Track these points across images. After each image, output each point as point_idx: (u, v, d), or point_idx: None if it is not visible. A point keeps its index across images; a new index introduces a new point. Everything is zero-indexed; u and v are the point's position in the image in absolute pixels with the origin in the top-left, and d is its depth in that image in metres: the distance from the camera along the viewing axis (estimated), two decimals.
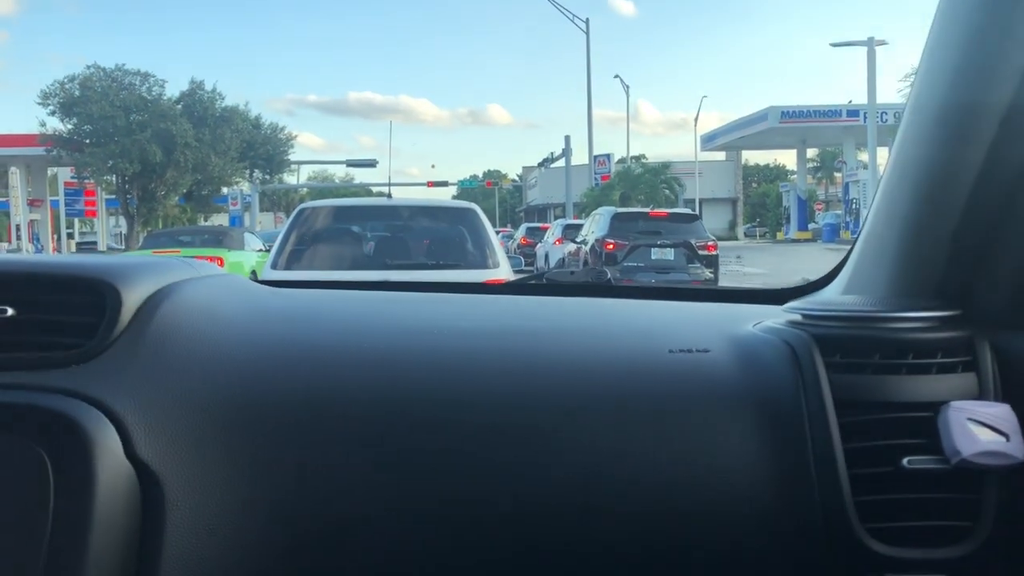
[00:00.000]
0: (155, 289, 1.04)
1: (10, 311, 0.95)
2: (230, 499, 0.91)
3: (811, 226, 44.45)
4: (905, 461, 0.91)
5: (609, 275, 1.84)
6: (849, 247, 1.21)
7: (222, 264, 13.28)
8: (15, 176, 35.64)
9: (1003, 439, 0.89)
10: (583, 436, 0.95)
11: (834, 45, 30.75)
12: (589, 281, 1.83)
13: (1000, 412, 0.91)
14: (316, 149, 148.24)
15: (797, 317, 1.06)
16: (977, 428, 0.90)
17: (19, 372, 0.92)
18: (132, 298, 1.00)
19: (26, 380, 0.92)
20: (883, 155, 34.52)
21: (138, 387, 0.93)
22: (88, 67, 33.98)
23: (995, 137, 0.93)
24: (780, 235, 46.61)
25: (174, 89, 35.20)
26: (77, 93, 32.78)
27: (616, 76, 61.36)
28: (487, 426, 0.96)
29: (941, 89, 0.99)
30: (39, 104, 33.19)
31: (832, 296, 1.22)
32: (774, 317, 1.11)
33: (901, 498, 0.92)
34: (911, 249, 1.06)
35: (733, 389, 0.98)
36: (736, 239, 49.33)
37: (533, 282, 1.92)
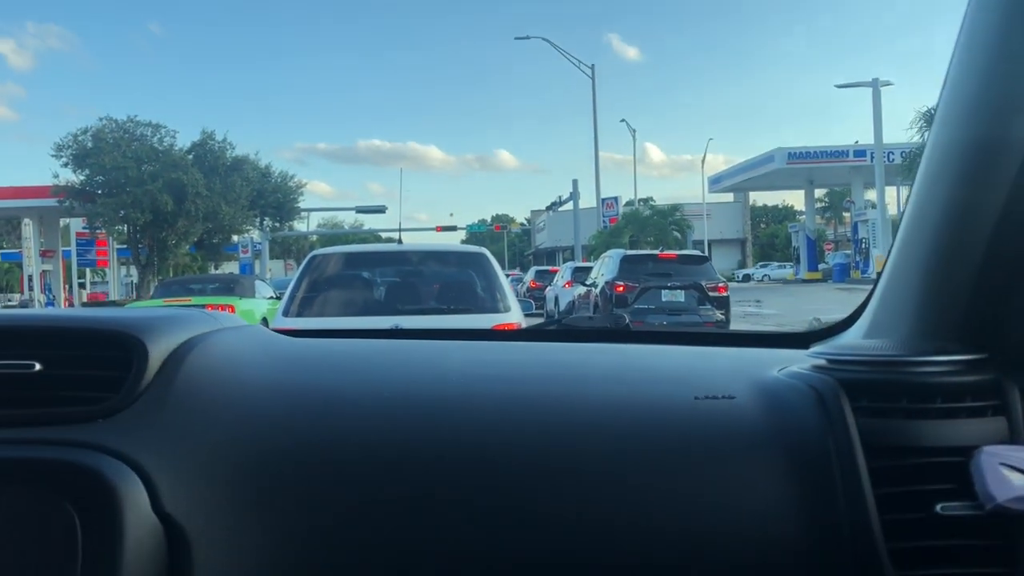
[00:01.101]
0: (180, 342, 1.04)
1: (38, 366, 0.95)
2: (257, 551, 0.90)
3: (821, 266, 44.41)
4: (938, 507, 0.90)
5: (628, 320, 1.84)
6: (870, 287, 1.20)
7: (233, 312, 13.34)
8: (28, 227, 36.02)
9: None
10: (611, 483, 0.94)
11: (839, 87, 30.99)
12: (607, 326, 1.82)
13: None
14: (326, 196, 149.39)
15: (822, 362, 1.05)
16: (1011, 473, 0.88)
17: (47, 427, 0.93)
18: (157, 352, 1.00)
19: (53, 435, 0.92)
20: (891, 194, 34.58)
21: (164, 441, 0.93)
22: (101, 119, 34.49)
23: (1017, 176, 0.93)
24: (790, 275, 46.52)
25: (185, 139, 35.66)
26: (90, 145, 33.20)
27: (622, 120, 61.94)
28: (514, 474, 0.95)
29: (961, 128, 0.99)
30: (53, 156, 33.65)
31: (855, 339, 1.21)
32: (799, 362, 1.10)
33: (935, 545, 0.90)
34: (934, 291, 1.05)
35: (761, 435, 0.97)
36: (746, 280, 49.21)
37: (552, 328, 1.91)
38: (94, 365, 0.98)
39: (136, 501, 0.87)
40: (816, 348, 1.09)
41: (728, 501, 0.93)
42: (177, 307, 1.29)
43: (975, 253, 0.99)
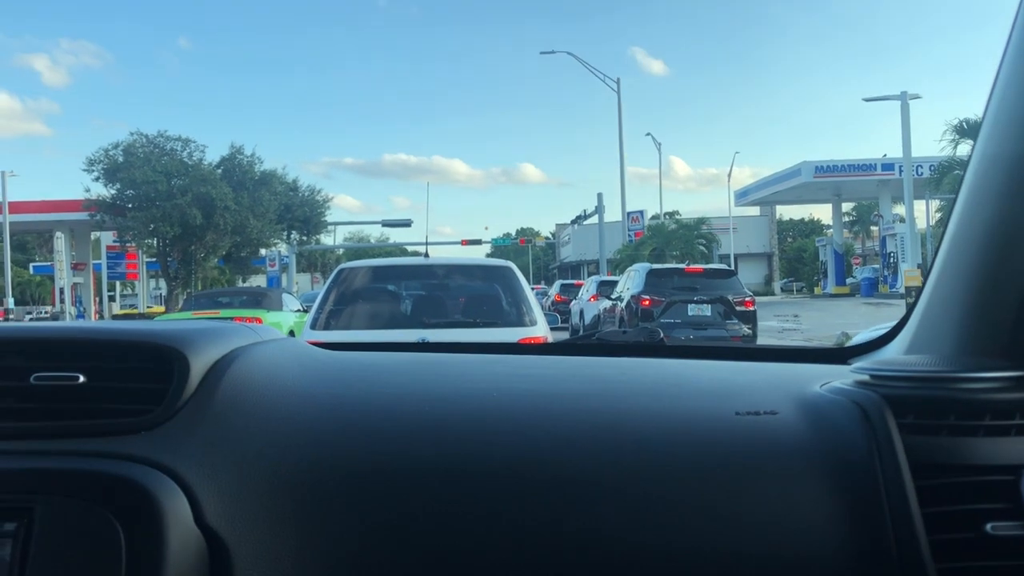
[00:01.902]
0: (220, 355, 1.05)
1: (82, 378, 0.96)
2: (296, 562, 0.90)
3: (849, 280, 44.03)
4: (988, 527, 0.88)
5: (662, 335, 1.83)
6: (898, 302, 1.19)
7: (261, 324, 13.57)
8: (60, 240, 36.59)
9: None
10: (651, 501, 0.93)
11: (867, 100, 30.73)
12: (642, 341, 1.81)
13: None
14: (352, 210, 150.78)
15: (865, 377, 1.04)
16: None
17: (89, 439, 0.93)
18: (199, 364, 1.01)
19: (96, 447, 0.92)
20: (919, 208, 34.22)
21: (206, 453, 0.93)
22: (131, 134, 35.07)
23: None
24: (818, 290, 46.14)
25: (214, 154, 36.17)
26: (121, 159, 33.71)
27: (648, 134, 61.91)
28: (551, 489, 0.94)
29: (1008, 141, 0.98)
30: (84, 170, 34.19)
31: (897, 354, 1.19)
32: (841, 377, 1.09)
33: (985, 566, 0.88)
34: (979, 306, 1.04)
35: (804, 452, 0.95)
36: (772, 294, 48.87)
37: (584, 342, 1.90)
38: (137, 378, 0.99)
39: (179, 513, 0.88)
40: (858, 364, 1.07)
41: (772, 519, 0.91)
42: (210, 319, 1.29)
43: (1021, 267, 0.97)
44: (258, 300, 16.53)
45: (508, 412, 1.04)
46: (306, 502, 0.93)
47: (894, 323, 1.27)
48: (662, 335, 1.80)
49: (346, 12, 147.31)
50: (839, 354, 1.28)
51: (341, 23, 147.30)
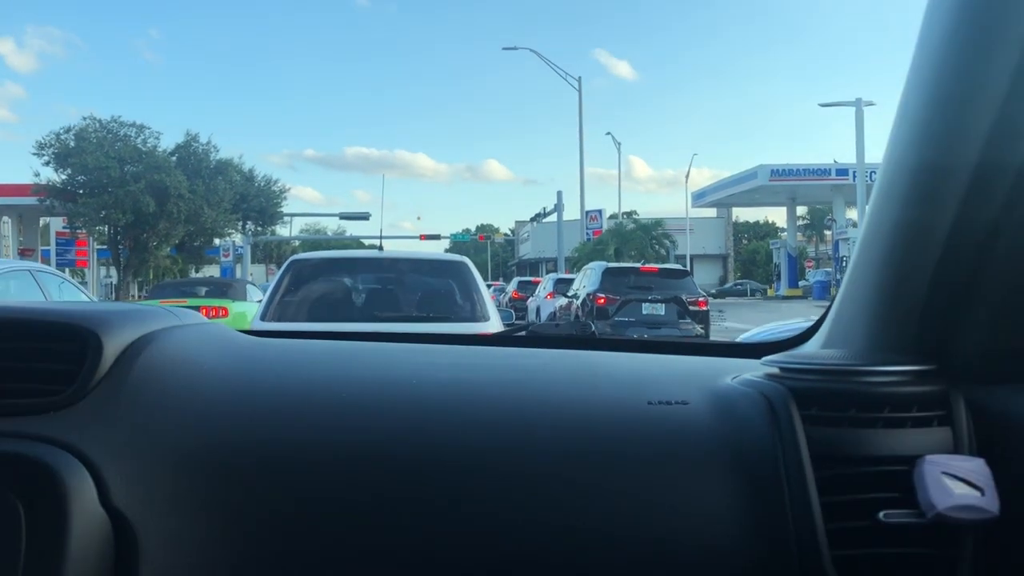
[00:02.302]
0: (136, 337, 1.04)
1: None
2: (204, 547, 0.90)
3: (801, 283, 44.70)
4: (881, 515, 0.91)
5: (594, 328, 1.85)
6: (828, 303, 1.22)
7: (227, 314, 13.73)
8: (6, 225, 35.78)
9: (978, 493, 0.89)
10: (563, 485, 0.95)
11: (823, 105, 31.19)
12: (573, 334, 1.83)
13: (975, 466, 0.91)
14: (314, 202, 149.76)
15: (775, 370, 1.06)
16: (952, 482, 0.90)
17: None
18: (112, 346, 1.00)
19: (3, 427, 0.91)
20: None
21: (115, 435, 0.93)
22: (84, 118, 34.33)
23: (964, 197, 0.95)
24: (771, 291, 46.78)
25: (170, 141, 35.60)
26: (72, 144, 33.01)
27: (608, 133, 62.28)
28: (466, 476, 0.95)
29: (911, 150, 1.01)
30: (34, 155, 33.44)
31: (811, 350, 1.22)
32: (753, 370, 1.11)
33: (878, 552, 0.92)
34: (887, 305, 1.07)
35: (710, 441, 0.98)
36: (723, 296, 49.47)
37: (518, 334, 1.92)
38: (48, 358, 0.98)
39: (83, 494, 0.87)
40: (770, 357, 1.10)
41: (676, 504, 0.94)
42: (143, 304, 1.28)
43: (925, 269, 1.01)
44: (224, 290, 16.59)
45: (426, 399, 1.05)
46: (215, 486, 0.93)
47: (810, 321, 1.31)
48: (592, 328, 1.82)
49: (315, 6, 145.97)
50: (758, 350, 1.31)
51: (306, 15, 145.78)
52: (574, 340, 1.74)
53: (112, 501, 0.89)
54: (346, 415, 1.01)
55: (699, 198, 54.29)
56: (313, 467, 0.95)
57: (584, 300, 14.35)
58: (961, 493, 0.89)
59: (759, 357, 1.18)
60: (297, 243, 52.88)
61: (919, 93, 1.00)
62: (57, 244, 39.00)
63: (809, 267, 49.56)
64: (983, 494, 0.89)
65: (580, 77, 39.08)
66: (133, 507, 0.90)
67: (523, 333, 1.92)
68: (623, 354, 1.38)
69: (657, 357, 1.35)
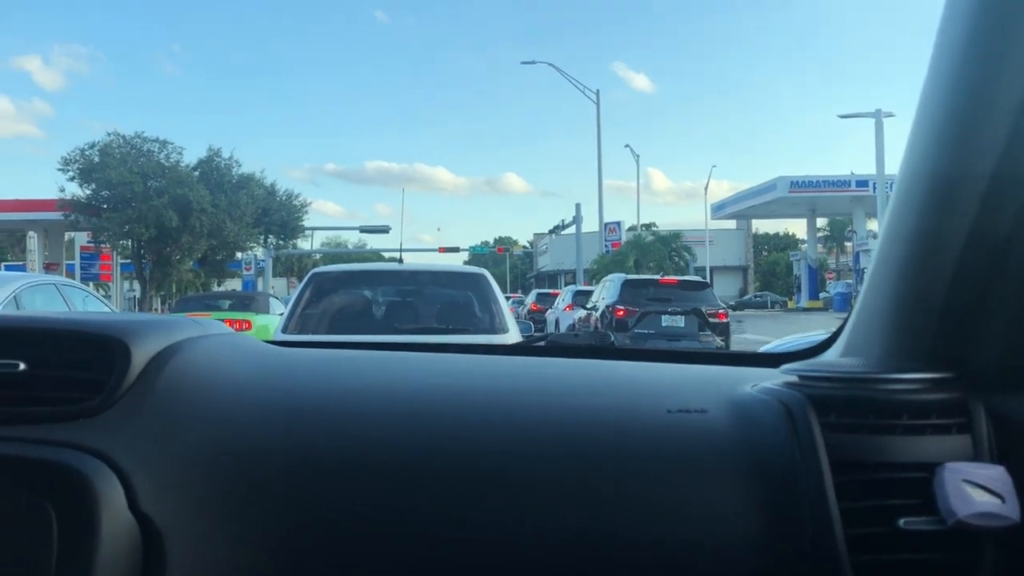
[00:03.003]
0: (163, 346, 1.06)
1: (22, 366, 0.98)
2: (231, 552, 0.92)
3: (822, 295, 44.40)
4: (901, 522, 0.91)
5: (613, 338, 1.85)
6: (846, 314, 1.22)
7: (250, 327, 13.90)
8: (33, 240, 36.22)
9: (998, 501, 0.89)
10: (582, 492, 0.95)
11: (842, 116, 31.02)
12: (592, 343, 1.84)
13: (995, 474, 0.91)
14: (335, 216, 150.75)
15: (793, 378, 1.07)
16: (972, 489, 0.90)
17: (28, 426, 0.94)
18: (140, 355, 1.02)
19: (34, 434, 0.93)
20: None
21: (143, 441, 0.95)
22: (108, 134, 34.74)
23: (980, 206, 0.96)
24: (791, 303, 46.49)
25: (192, 156, 35.95)
26: (96, 159, 33.40)
27: (626, 145, 62.26)
28: (485, 483, 0.96)
29: (927, 161, 1.02)
30: (59, 170, 33.85)
31: (830, 359, 1.23)
32: (772, 379, 1.12)
33: (897, 559, 0.92)
34: (905, 314, 1.07)
35: (729, 448, 0.98)
36: (744, 308, 49.20)
37: (536, 344, 1.93)
38: (78, 366, 1.00)
39: (113, 499, 0.89)
40: (788, 366, 1.10)
41: (695, 511, 0.94)
42: (175, 317, 1.31)
43: (942, 278, 1.01)
44: (248, 304, 16.94)
45: (446, 407, 1.06)
46: (242, 493, 0.94)
47: (830, 332, 1.31)
48: (612, 338, 1.82)
49: (336, 22, 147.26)
50: (777, 359, 1.31)
51: (328, 30, 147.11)
52: (593, 350, 1.75)
53: (140, 506, 0.91)
54: (367, 423, 1.03)
55: (718, 210, 54.14)
56: (335, 474, 0.97)
57: (603, 312, 14.33)
58: (981, 500, 0.89)
59: (778, 366, 1.18)
60: (318, 256, 53.17)
61: (936, 102, 1.00)
62: (82, 258, 39.37)
63: (830, 279, 49.34)
64: (1004, 501, 0.89)
65: (598, 90, 39.18)
66: (161, 512, 0.91)
67: (542, 343, 1.93)
68: (641, 363, 1.39)
69: (676, 366, 1.35)
